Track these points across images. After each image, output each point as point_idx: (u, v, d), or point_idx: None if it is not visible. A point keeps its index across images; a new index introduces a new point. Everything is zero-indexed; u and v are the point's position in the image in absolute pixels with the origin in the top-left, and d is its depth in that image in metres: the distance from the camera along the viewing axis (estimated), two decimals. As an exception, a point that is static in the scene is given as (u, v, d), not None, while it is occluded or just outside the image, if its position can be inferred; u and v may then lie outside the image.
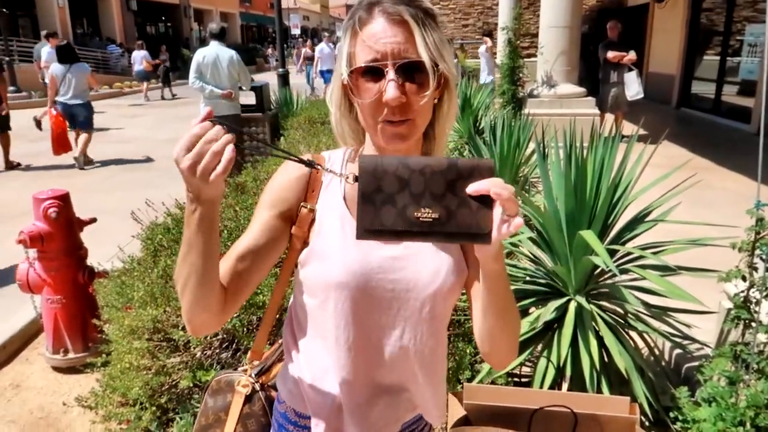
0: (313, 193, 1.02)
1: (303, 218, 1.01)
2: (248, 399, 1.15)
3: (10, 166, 8.11)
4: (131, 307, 2.64)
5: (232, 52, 6.21)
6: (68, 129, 7.87)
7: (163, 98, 18.00)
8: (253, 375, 1.17)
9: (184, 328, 2.57)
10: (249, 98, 6.96)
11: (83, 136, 8.04)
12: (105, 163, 8.47)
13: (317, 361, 1.03)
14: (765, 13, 7.26)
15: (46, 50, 10.21)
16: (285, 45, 14.15)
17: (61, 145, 7.78)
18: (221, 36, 6.33)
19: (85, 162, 8.10)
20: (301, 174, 1.02)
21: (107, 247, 3.54)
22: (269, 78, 9.78)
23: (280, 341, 1.20)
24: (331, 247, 0.98)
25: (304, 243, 1.01)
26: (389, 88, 0.87)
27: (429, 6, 0.92)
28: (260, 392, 1.16)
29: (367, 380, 1.01)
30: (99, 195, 6.72)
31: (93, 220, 3.23)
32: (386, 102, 0.88)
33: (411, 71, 0.89)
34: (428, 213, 0.76)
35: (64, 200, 3.00)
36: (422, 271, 0.98)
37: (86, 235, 3.26)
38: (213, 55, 6.15)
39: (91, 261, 3.24)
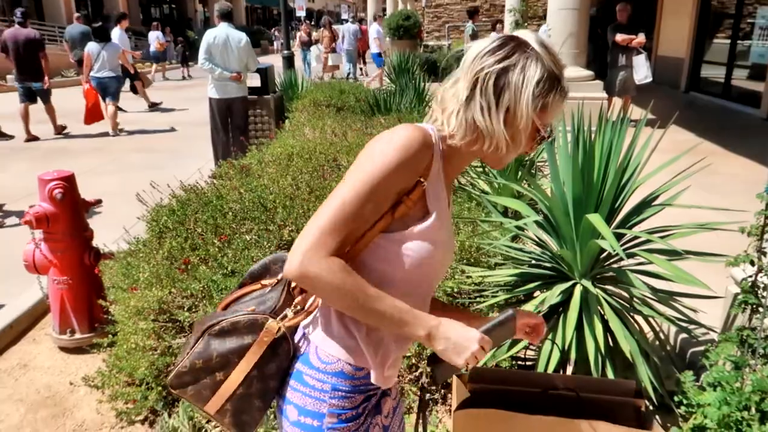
0: (429, 169, 1.13)
1: (417, 192, 1.11)
2: (274, 342, 1.16)
3: (60, 130, 9.14)
4: (136, 288, 2.65)
5: (242, 34, 6.16)
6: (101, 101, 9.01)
7: (183, 78, 18.21)
8: (278, 318, 1.17)
9: (189, 309, 2.58)
10: (254, 80, 6.91)
11: (111, 109, 9.12)
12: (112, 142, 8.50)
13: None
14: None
15: (116, 32, 10.97)
16: (290, 27, 14.11)
17: (93, 115, 8.86)
18: (230, 17, 6.26)
19: (115, 132, 9.14)
20: (426, 151, 1.10)
21: (113, 229, 3.55)
22: (274, 60, 9.70)
23: (245, 291, 1.27)
24: (441, 226, 1.15)
25: (405, 211, 1.11)
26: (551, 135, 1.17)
27: None
28: (288, 337, 1.18)
29: None
30: (103, 177, 6.73)
31: (98, 202, 3.23)
32: (533, 148, 1.18)
33: None
34: None
35: (69, 181, 3.00)
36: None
37: (92, 217, 3.26)
38: (223, 36, 6.09)
39: (96, 243, 3.25)
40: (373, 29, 15.32)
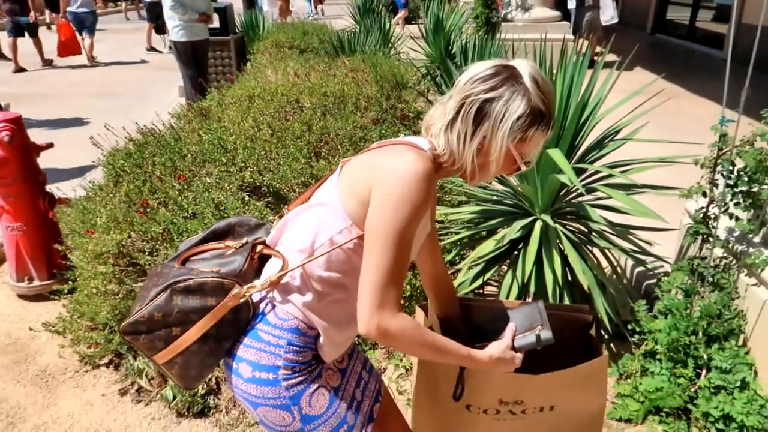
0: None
1: None
2: (237, 307, 1.19)
3: (47, 63, 9.94)
4: (93, 231, 2.59)
5: None
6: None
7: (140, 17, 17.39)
8: (246, 286, 1.21)
9: (150, 253, 2.54)
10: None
11: (88, 41, 9.95)
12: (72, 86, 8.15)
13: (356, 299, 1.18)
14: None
15: None
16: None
17: (67, 49, 9.48)
18: None
19: (92, 62, 10.04)
20: (434, 180, 1.16)
21: (70, 175, 3.44)
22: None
23: (207, 248, 1.30)
24: (421, 232, 1.24)
25: None
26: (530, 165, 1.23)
27: None
28: (251, 304, 1.22)
29: None
30: (60, 124, 6.48)
31: (50, 145, 3.11)
32: (512, 173, 1.25)
33: None
34: None
35: (16, 123, 2.87)
36: None
37: (44, 162, 3.14)
38: None
39: (52, 189, 3.15)
40: None
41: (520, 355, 1.29)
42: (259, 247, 1.29)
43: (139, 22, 16.60)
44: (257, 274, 1.28)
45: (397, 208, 1.08)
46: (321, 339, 1.22)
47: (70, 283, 2.72)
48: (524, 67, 1.16)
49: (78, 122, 6.55)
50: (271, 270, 1.26)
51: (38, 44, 9.73)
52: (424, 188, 1.09)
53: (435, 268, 1.50)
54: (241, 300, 1.19)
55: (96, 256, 2.54)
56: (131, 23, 16.67)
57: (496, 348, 1.27)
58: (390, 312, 1.09)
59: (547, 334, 1.30)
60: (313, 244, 1.19)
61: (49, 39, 10.29)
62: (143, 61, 10.56)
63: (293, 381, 1.20)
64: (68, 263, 2.86)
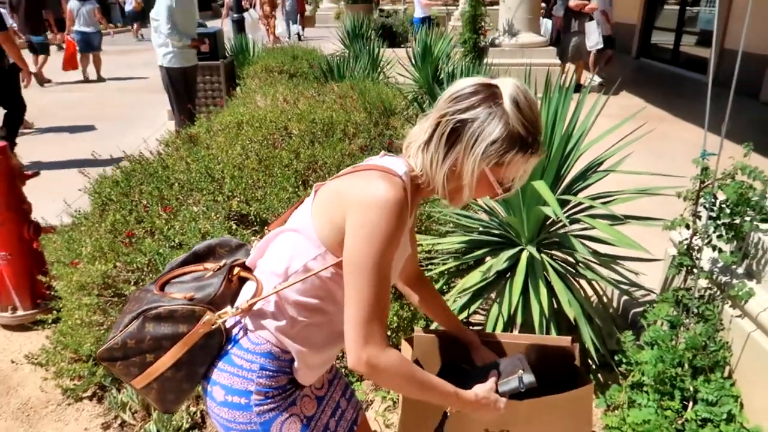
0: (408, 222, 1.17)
1: None
2: (209, 334, 1.19)
3: (45, 81, 10.26)
4: (78, 263, 2.57)
5: None
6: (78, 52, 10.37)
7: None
8: (217, 312, 1.20)
9: (135, 283, 2.52)
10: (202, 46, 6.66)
11: (95, 59, 10.67)
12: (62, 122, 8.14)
13: (334, 322, 1.22)
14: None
15: None
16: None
17: (70, 63, 10.22)
18: None
19: (99, 78, 10.74)
20: (407, 207, 1.11)
21: (55, 202, 3.42)
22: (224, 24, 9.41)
23: (186, 270, 1.29)
24: (399, 256, 1.23)
25: None
26: (509, 193, 1.18)
27: None
28: (223, 330, 1.22)
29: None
30: (44, 146, 6.45)
31: (36, 174, 3.10)
32: (494, 197, 1.19)
33: None
34: None
35: (2, 153, 2.86)
36: None
37: (30, 190, 3.12)
38: None
39: (38, 216, 3.12)
40: None
41: (504, 400, 1.28)
42: (236, 270, 1.28)
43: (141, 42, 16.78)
44: (236, 296, 1.28)
45: (370, 241, 1.06)
46: (296, 363, 1.21)
47: (54, 312, 2.69)
48: (507, 87, 1.10)
49: (65, 146, 6.53)
50: (246, 294, 1.25)
51: (42, 62, 10.14)
52: (395, 218, 1.06)
53: (409, 274, 1.52)
54: (213, 326, 1.18)
55: (80, 287, 2.52)
56: (143, 43, 16.69)
57: (481, 388, 1.26)
58: (377, 346, 1.08)
59: (529, 377, 1.30)
60: (287, 270, 1.18)
61: (55, 58, 10.79)
62: (143, 78, 10.91)
63: (265, 407, 1.19)
64: (52, 293, 2.83)
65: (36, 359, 2.58)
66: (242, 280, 1.29)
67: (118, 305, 2.53)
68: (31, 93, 9.25)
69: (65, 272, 2.64)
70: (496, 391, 1.28)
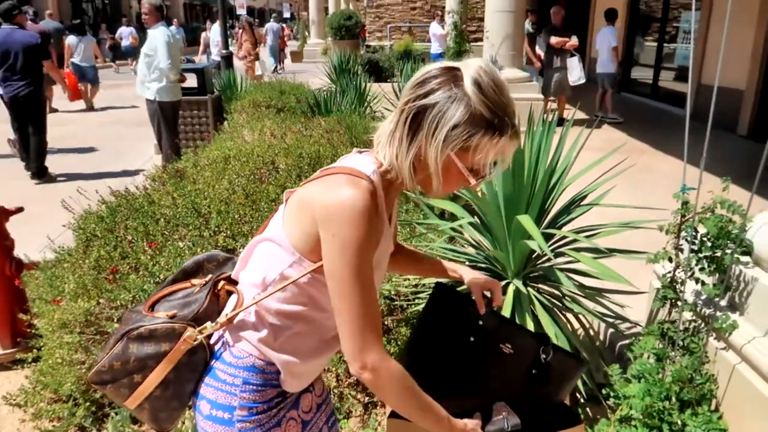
0: (382, 221, 1.14)
1: None
2: (191, 350, 1.19)
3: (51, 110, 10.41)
4: (61, 300, 2.53)
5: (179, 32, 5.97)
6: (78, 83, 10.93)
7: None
8: (198, 328, 1.20)
9: (119, 320, 2.49)
10: (190, 81, 6.72)
11: (91, 88, 11.32)
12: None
13: (322, 329, 1.22)
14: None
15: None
16: (229, 25, 13.66)
17: (75, 94, 10.63)
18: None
19: (90, 107, 11.28)
20: (376, 208, 1.09)
21: (37, 238, 3.38)
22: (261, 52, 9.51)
23: (174, 288, 1.29)
24: (383, 255, 1.20)
25: None
26: (482, 184, 1.14)
27: None
28: (206, 345, 1.21)
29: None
30: (27, 182, 6.41)
31: (19, 210, 3.07)
32: (473, 187, 1.14)
33: None
34: None
35: (-14, 189, 2.84)
36: None
37: (13, 226, 3.09)
38: (173, 35, 5.77)
39: (18, 252, 3.08)
40: (434, 27, 12.60)
41: None
42: (221, 283, 1.28)
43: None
44: (222, 310, 1.27)
45: (343, 252, 1.04)
46: (282, 375, 1.20)
47: (35, 351, 2.64)
48: (469, 68, 1.04)
49: (51, 180, 6.49)
50: (229, 308, 1.25)
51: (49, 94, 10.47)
52: (364, 223, 1.03)
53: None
54: (195, 342, 1.18)
55: (62, 325, 2.48)
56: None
57: (471, 422, 1.24)
58: (376, 353, 1.07)
59: (514, 419, 1.30)
60: (264, 279, 1.17)
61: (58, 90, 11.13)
62: (134, 106, 11.12)
63: (248, 424, 1.18)
64: (33, 331, 2.78)
65: (14, 400, 2.52)
66: (230, 294, 1.29)
67: (101, 343, 2.49)
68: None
69: (47, 309, 2.60)
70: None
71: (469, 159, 1.06)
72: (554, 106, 8.38)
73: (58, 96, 10.86)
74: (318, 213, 1.07)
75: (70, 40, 11.05)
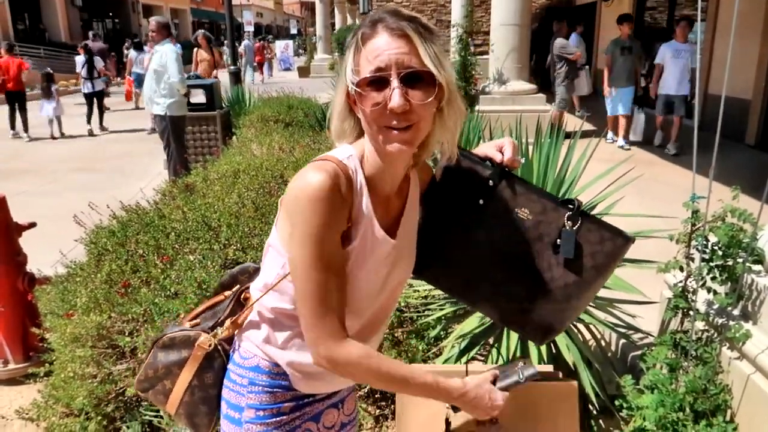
0: (354, 206, 1.08)
1: (348, 230, 1.09)
2: (208, 355, 1.24)
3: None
4: (73, 314, 2.55)
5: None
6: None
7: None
8: (211, 333, 1.24)
9: (130, 334, 2.50)
10: (199, 96, 6.80)
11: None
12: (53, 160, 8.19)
13: None
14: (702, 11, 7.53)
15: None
16: (236, 43, 13.84)
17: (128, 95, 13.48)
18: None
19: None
20: (338, 194, 1.03)
21: (49, 253, 3.41)
22: (221, 76, 9.61)
23: (212, 302, 1.33)
24: (364, 251, 1.11)
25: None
26: (395, 95, 0.98)
27: (427, 22, 1.03)
28: (221, 350, 1.25)
29: None
30: (41, 198, 6.48)
31: (32, 225, 3.10)
32: (392, 109, 0.98)
33: (414, 80, 0.99)
34: None
35: (-1, 205, 2.88)
36: None
37: (26, 241, 3.12)
38: (180, 52, 6.05)
39: (31, 267, 3.11)
40: None
41: (502, 394, 1.17)
42: (244, 293, 1.29)
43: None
44: None
45: (302, 242, 1.02)
46: (289, 374, 1.19)
47: (47, 365, 2.65)
48: (383, 12, 1.02)
49: (61, 197, 6.56)
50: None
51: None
52: (320, 205, 1.00)
53: None
54: (209, 348, 1.23)
55: (74, 339, 2.49)
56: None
57: (472, 378, 1.17)
58: (332, 341, 1.05)
59: (530, 369, 1.19)
60: (266, 282, 1.19)
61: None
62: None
63: (255, 427, 1.18)
64: (45, 345, 2.80)
65: (27, 414, 2.52)
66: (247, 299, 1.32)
67: (112, 357, 2.50)
68: (31, 145, 9.44)
69: (59, 324, 2.62)
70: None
71: (360, 62, 1.01)
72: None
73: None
74: (284, 206, 1.09)
75: (132, 54, 12.98)
